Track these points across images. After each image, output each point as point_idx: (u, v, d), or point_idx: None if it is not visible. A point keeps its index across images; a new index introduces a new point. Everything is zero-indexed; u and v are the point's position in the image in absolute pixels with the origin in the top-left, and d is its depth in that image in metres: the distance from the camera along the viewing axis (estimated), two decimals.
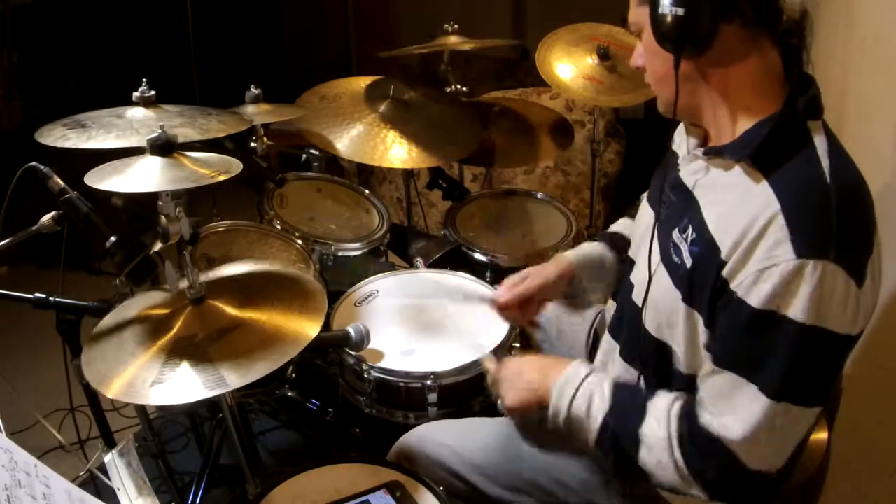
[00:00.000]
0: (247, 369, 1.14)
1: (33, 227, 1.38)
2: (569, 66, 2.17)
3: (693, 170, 1.16)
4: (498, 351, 1.54)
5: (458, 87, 2.35)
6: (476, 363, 1.51)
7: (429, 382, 1.48)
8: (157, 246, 1.28)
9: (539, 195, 2.28)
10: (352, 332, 1.50)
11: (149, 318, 1.28)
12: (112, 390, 1.13)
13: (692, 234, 1.09)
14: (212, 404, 1.87)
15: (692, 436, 1.05)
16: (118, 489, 1.32)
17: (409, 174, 2.52)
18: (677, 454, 1.06)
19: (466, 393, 1.52)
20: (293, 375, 1.75)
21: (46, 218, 1.38)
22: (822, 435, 1.21)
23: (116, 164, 1.25)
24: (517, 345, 1.56)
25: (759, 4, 1.03)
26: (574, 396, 1.16)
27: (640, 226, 1.34)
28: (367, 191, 2.18)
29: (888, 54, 1.48)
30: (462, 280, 1.79)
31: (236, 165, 1.28)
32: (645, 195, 1.33)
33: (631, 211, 1.50)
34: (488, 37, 2.41)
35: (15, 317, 2.39)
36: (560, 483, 1.29)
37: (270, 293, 1.32)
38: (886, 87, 1.47)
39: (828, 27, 1.89)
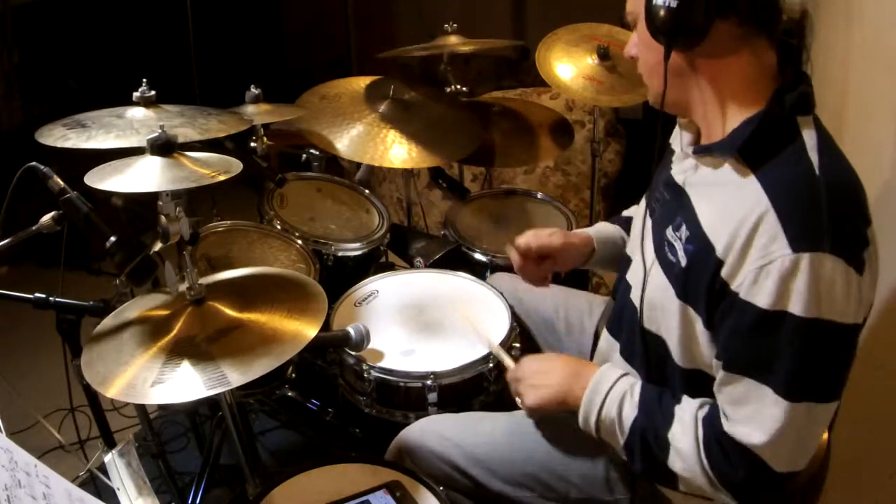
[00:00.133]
0: (247, 367, 1.14)
1: (33, 227, 1.38)
2: (569, 66, 2.17)
3: (684, 168, 1.16)
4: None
5: (458, 87, 2.35)
6: (476, 363, 1.51)
7: (429, 382, 1.48)
8: (157, 246, 1.28)
9: (539, 195, 2.28)
10: (352, 332, 1.50)
11: (149, 319, 1.28)
12: (112, 390, 1.13)
13: (686, 233, 1.09)
14: (212, 404, 1.87)
15: (719, 442, 1.05)
16: (118, 489, 1.32)
17: (409, 174, 2.52)
18: (704, 460, 1.06)
19: (466, 393, 1.52)
20: (293, 375, 1.75)
21: (46, 218, 1.38)
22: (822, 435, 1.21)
23: (116, 164, 1.25)
24: (517, 345, 1.55)
25: (756, 3, 1.03)
26: (604, 401, 1.17)
27: (636, 224, 1.34)
28: (367, 191, 2.18)
29: (888, 54, 1.48)
30: (463, 281, 1.79)
31: (236, 165, 1.28)
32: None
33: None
34: (488, 37, 2.41)
35: (15, 317, 2.39)
36: (561, 478, 1.29)
37: (270, 294, 1.32)
38: (886, 87, 1.47)
39: (828, 27, 1.89)
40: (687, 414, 1.10)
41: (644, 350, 1.20)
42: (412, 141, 2.05)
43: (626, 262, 1.32)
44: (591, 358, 1.43)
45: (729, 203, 1.03)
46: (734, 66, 1.06)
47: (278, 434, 2.12)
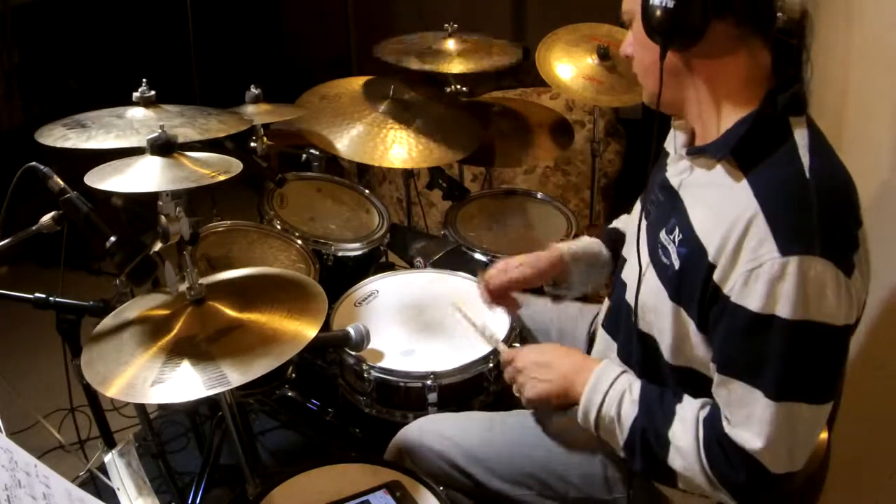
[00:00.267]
0: (247, 367, 1.14)
1: (33, 227, 1.38)
2: (569, 66, 2.17)
3: (679, 169, 1.16)
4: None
5: (458, 87, 2.35)
6: (476, 362, 1.51)
7: (429, 382, 1.48)
8: (157, 246, 1.28)
9: (539, 195, 2.28)
10: (352, 332, 1.50)
11: (149, 319, 1.29)
12: (112, 390, 1.13)
13: (679, 235, 1.09)
14: (212, 404, 1.87)
15: (720, 444, 1.06)
16: (118, 489, 1.32)
17: (409, 174, 2.52)
18: (705, 460, 1.07)
19: (466, 393, 1.52)
20: (293, 375, 1.75)
21: (46, 218, 1.38)
22: (822, 435, 1.21)
23: (116, 164, 1.25)
24: (517, 344, 1.55)
25: (754, 4, 1.03)
26: (604, 398, 1.17)
27: (631, 225, 1.34)
28: (367, 191, 2.18)
29: (888, 54, 1.48)
30: (463, 281, 1.79)
31: (236, 165, 1.28)
32: None
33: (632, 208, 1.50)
34: (488, 36, 2.40)
35: (15, 317, 2.39)
36: (560, 477, 1.29)
37: (270, 294, 1.32)
38: (886, 87, 1.47)
39: (828, 27, 1.89)
40: (688, 413, 1.10)
41: (640, 350, 1.20)
42: (412, 141, 2.06)
43: (622, 262, 1.32)
44: None
45: (721, 206, 1.03)
46: (730, 66, 1.06)
47: (278, 434, 2.12)
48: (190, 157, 1.27)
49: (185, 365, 1.16)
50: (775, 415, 1.00)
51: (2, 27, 3.12)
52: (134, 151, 1.31)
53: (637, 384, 1.16)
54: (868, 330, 1.39)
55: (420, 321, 1.65)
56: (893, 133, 1.41)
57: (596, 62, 2.16)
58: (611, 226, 1.55)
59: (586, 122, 2.92)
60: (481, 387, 1.53)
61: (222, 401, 1.44)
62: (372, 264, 2.03)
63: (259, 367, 1.14)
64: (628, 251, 1.30)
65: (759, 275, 0.97)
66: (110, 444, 1.47)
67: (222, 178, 1.23)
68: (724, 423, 1.05)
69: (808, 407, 1.01)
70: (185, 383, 1.13)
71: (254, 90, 1.96)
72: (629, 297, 1.22)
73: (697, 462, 1.07)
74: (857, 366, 1.07)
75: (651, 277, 1.14)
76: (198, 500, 1.78)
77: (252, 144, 2.02)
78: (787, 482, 1.04)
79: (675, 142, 1.21)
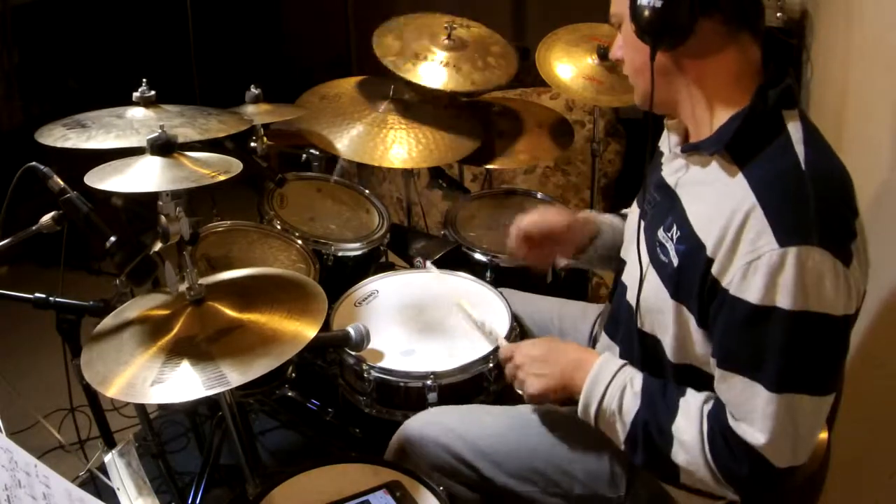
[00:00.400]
0: (247, 367, 1.14)
1: (33, 227, 1.38)
2: (569, 66, 2.17)
3: (674, 168, 1.17)
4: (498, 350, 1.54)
5: (460, 90, 2.34)
6: (476, 363, 1.50)
7: (429, 382, 1.48)
8: (157, 246, 1.28)
9: (539, 195, 2.28)
10: (352, 332, 1.50)
11: (149, 319, 1.28)
12: (112, 390, 1.13)
13: (677, 233, 1.10)
14: (212, 404, 1.87)
15: (724, 437, 1.06)
16: (118, 489, 1.32)
17: (409, 174, 2.52)
18: (708, 454, 1.07)
19: (466, 392, 1.52)
20: (293, 375, 1.75)
21: (46, 218, 1.38)
22: (822, 435, 1.21)
23: (116, 164, 1.25)
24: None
25: (740, 0, 1.03)
26: (605, 391, 1.17)
27: (629, 226, 1.34)
28: (367, 191, 2.18)
29: (888, 54, 1.48)
30: (463, 281, 1.79)
31: (236, 165, 1.28)
32: None
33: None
34: (490, 29, 2.39)
35: (15, 317, 2.39)
36: (566, 473, 1.29)
37: (270, 294, 1.32)
38: (886, 87, 1.48)
39: (828, 27, 1.89)
40: (692, 406, 1.10)
41: (641, 351, 1.20)
42: (412, 141, 2.06)
43: (621, 264, 1.32)
44: None
45: (717, 201, 1.04)
46: (720, 63, 1.06)
47: (278, 434, 2.12)
48: (190, 157, 1.27)
49: (185, 365, 1.16)
50: (777, 408, 1.00)
51: (2, 27, 3.12)
52: (134, 151, 1.31)
53: (639, 377, 1.16)
54: (868, 329, 1.39)
55: (420, 321, 1.65)
56: (893, 133, 1.41)
57: (596, 62, 2.16)
58: (624, 212, 1.55)
59: (586, 122, 2.92)
60: (481, 387, 1.53)
61: (222, 401, 1.44)
62: (372, 264, 2.03)
63: (259, 367, 1.14)
64: (627, 252, 1.30)
65: (757, 267, 0.97)
66: (110, 444, 1.47)
67: (222, 178, 1.23)
68: (729, 418, 1.05)
69: (809, 399, 1.01)
70: (184, 383, 1.13)
71: (254, 90, 1.96)
72: (630, 298, 1.22)
73: (701, 456, 1.07)
74: (856, 365, 1.07)
75: (652, 277, 1.15)
76: (198, 500, 1.78)
77: (252, 144, 2.02)
78: (790, 477, 1.04)
79: (668, 141, 1.22)
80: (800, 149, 1.02)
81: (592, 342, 1.53)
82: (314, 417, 1.90)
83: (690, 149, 1.12)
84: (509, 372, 1.32)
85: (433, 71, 2.10)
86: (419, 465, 1.31)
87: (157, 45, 3.32)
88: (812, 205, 0.97)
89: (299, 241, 1.89)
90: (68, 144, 1.39)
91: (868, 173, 1.11)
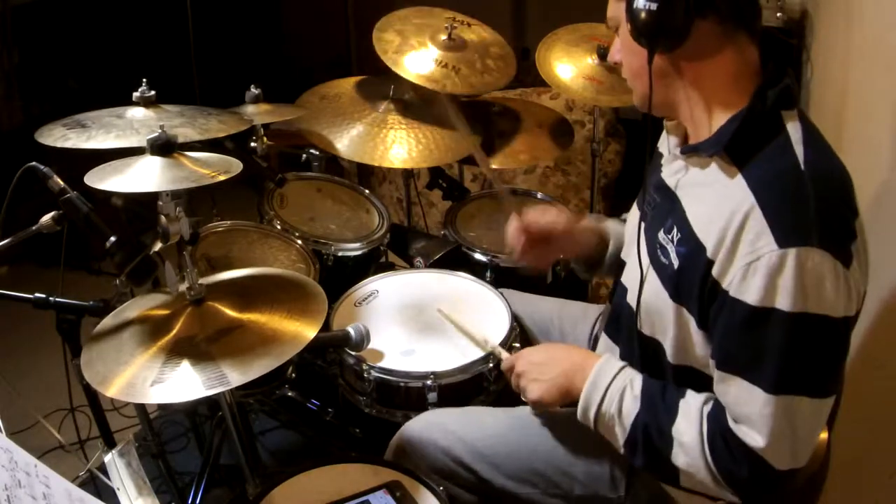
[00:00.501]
0: (247, 367, 1.14)
1: (33, 227, 1.38)
2: (569, 66, 2.17)
3: (674, 170, 1.17)
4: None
5: (457, 93, 2.34)
6: (476, 362, 1.50)
7: (429, 382, 1.48)
8: (157, 246, 1.28)
9: (539, 195, 2.28)
10: (352, 332, 1.50)
11: (149, 319, 1.28)
12: (112, 390, 1.13)
13: (677, 235, 1.09)
14: (212, 404, 1.87)
15: (724, 439, 1.05)
16: (118, 489, 1.32)
17: (409, 174, 2.52)
18: (709, 456, 1.06)
19: (466, 393, 1.52)
20: (293, 375, 1.75)
21: (46, 218, 1.38)
22: (822, 435, 1.21)
23: (116, 164, 1.25)
24: (517, 344, 1.55)
25: (736, 1, 1.03)
26: (604, 395, 1.16)
27: (629, 228, 1.34)
28: (367, 191, 2.18)
29: (888, 54, 1.48)
30: (463, 281, 1.79)
31: (236, 165, 1.28)
32: None
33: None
34: (487, 27, 2.39)
35: (15, 317, 2.39)
36: (566, 474, 1.29)
37: (270, 294, 1.32)
38: (886, 87, 1.48)
39: (828, 27, 1.89)
40: (692, 408, 1.10)
41: (641, 353, 1.20)
42: (412, 141, 2.06)
43: (621, 266, 1.32)
44: None
45: (717, 202, 1.03)
46: (718, 65, 1.06)
47: (278, 434, 2.12)
48: (190, 157, 1.27)
49: (185, 365, 1.16)
50: (775, 410, 1.00)
51: (2, 27, 3.12)
52: (134, 151, 1.31)
53: (638, 379, 1.16)
54: (868, 330, 1.39)
55: (420, 321, 1.65)
56: (893, 133, 1.41)
57: (596, 62, 2.16)
58: (624, 217, 1.55)
59: (586, 122, 2.92)
60: (481, 387, 1.53)
61: (222, 401, 1.44)
62: (372, 264, 2.03)
63: (259, 367, 1.14)
64: (627, 254, 1.30)
65: (757, 268, 0.97)
66: (110, 444, 1.47)
67: (222, 178, 1.23)
68: (729, 419, 1.05)
69: (809, 401, 1.01)
70: (184, 383, 1.13)
71: (254, 90, 1.96)
72: (630, 300, 1.21)
73: (701, 458, 1.07)
74: (857, 366, 1.07)
75: (652, 279, 1.14)
76: (198, 500, 1.78)
77: (252, 144, 2.02)
78: (790, 479, 1.04)
79: (668, 142, 1.22)
80: (799, 149, 1.02)
81: (593, 342, 1.53)
82: (314, 417, 1.90)
83: (690, 150, 1.12)
84: (513, 381, 1.33)
85: (431, 72, 2.10)
86: (418, 468, 1.31)
87: (157, 45, 3.32)
88: (812, 205, 0.97)
89: (299, 241, 1.89)
90: (68, 144, 1.39)
91: (868, 173, 1.11)
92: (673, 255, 1.09)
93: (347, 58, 4.26)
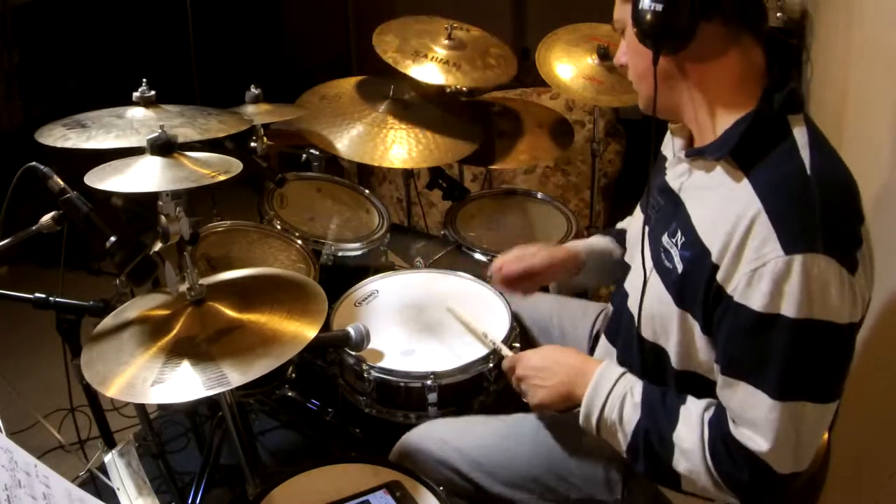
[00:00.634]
0: (247, 368, 1.14)
1: (33, 227, 1.38)
2: (569, 66, 2.17)
3: (678, 173, 1.16)
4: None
5: (458, 87, 2.35)
6: (476, 363, 1.50)
7: (429, 382, 1.48)
8: (157, 246, 1.28)
9: (539, 195, 2.28)
10: (352, 332, 1.50)
11: (149, 319, 1.29)
12: (112, 390, 1.13)
13: (682, 238, 1.09)
14: (212, 404, 1.87)
15: (724, 444, 1.05)
16: (118, 489, 1.32)
17: (409, 174, 2.52)
18: (710, 461, 1.06)
19: (466, 393, 1.52)
20: (293, 375, 1.75)
21: (46, 218, 1.38)
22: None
23: (116, 164, 1.25)
24: (517, 344, 1.55)
25: (741, 3, 1.03)
26: (605, 402, 1.16)
27: (632, 232, 1.34)
28: (367, 191, 2.18)
29: (888, 54, 1.48)
30: (463, 281, 1.79)
31: (236, 165, 1.28)
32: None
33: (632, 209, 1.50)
34: (486, 32, 2.40)
35: (15, 317, 2.40)
36: (562, 479, 1.29)
37: (270, 295, 1.32)
38: (886, 87, 1.47)
39: (828, 27, 1.89)
40: (693, 414, 1.10)
41: (641, 358, 1.20)
42: (412, 141, 2.06)
43: (624, 269, 1.31)
44: None
45: (722, 206, 1.03)
46: (723, 67, 1.06)
47: (278, 434, 2.12)
48: (190, 157, 1.27)
49: (185, 365, 1.16)
50: (780, 415, 0.99)
51: (2, 27, 3.12)
52: (134, 151, 1.31)
53: (639, 386, 1.16)
54: (871, 330, 1.39)
55: (420, 321, 1.65)
56: (893, 133, 1.41)
57: (596, 62, 2.16)
58: (619, 226, 1.55)
59: (586, 122, 2.92)
60: (481, 387, 1.53)
61: (222, 401, 1.44)
62: (372, 264, 2.03)
63: (259, 368, 1.14)
64: (630, 258, 1.30)
65: (762, 274, 0.97)
66: (110, 444, 1.47)
67: (222, 178, 1.23)
68: (730, 424, 1.05)
69: (812, 406, 1.01)
70: (185, 383, 1.13)
71: (254, 90, 1.96)
72: (631, 304, 1.21)
73: (702, 463, 1.07)
74: (859, 365, 1.07)
75: (655, 284, 1.14)
76: (198, 500, 1.78)
77: (252, 144, 2.02)
78: (791, 482, 1.04)
79: (672, 145, 1.21)
80: (805, 154, 1.01)
81: (593, 341, 1.53)
82: (314, 417, 1.90)
83: (695, 153, 1.12)
84: (514, 384, 1.33)
85: (433, 68, 2.10)
86: (415, 473, 1.31)
87: (157, 45, 3.32)
88: (818, 211, 0.97)
89: (299, 241, 1.89)
90: (68, 144, 1.39)
91: (868, 173, 1.10)
92: (677, 260, 1.09)
93: (347, 58, 4.26)
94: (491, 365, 1.51)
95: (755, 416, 1.01)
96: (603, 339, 1.35)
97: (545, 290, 1.67)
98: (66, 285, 1.57)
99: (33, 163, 1.37)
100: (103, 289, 1.45)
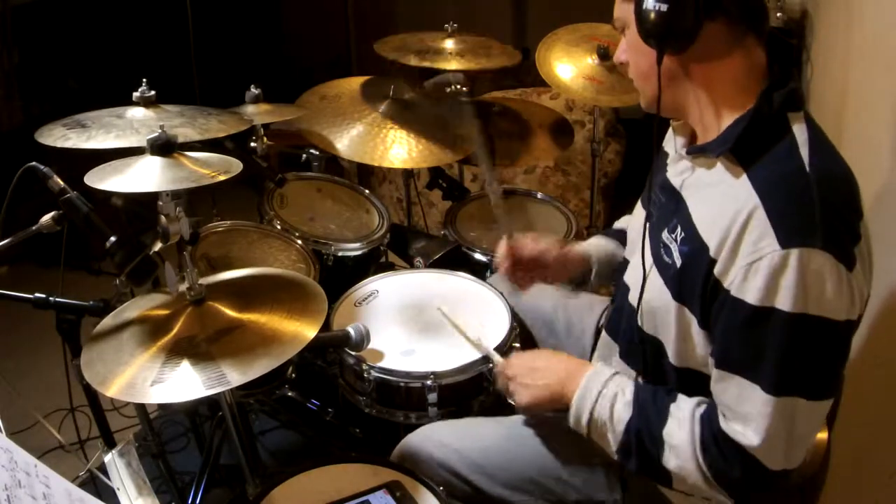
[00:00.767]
0: (247, 367, 1.14)
1: (33, 227, 1.38)
2: (569, 66, 2.17)
3: (680, 170, 1.17)
4: (499, 350, 1.54)
5: (459, 87, 2.35)
6: (476, 363, 1.50)
7: (429, 382, 1.48)
8: (157, 246, 1.28)
9: (539, 195, 2.28)
10: (352, 332, 1.50)
11: (149, 319, 1.28)
12: (112, 390, 1.13)
13: (681, 234, 1.09)
14: (212, 404, 1.87)
15: (715, 440, 1.05)
16: (118, 489, 1.32)
17: (409, 174, 2.52)
18: (700, 457, 1.06)
19: (466, 393, 1.52)
20: (293, 375, 1.75)
21: (46, 218, 1.38)
22: (822, 435, 1.21)
23: (116, 164, 1.25)
24: (517, 345, 1.55)
25: (744, 3, 1.03)
26: (596, 401, 1.16)
27: (633, 227, 1.34)
28: (367, 191, 2.18)
29: (888, 54, 1.48)
30: (463, 281, 1.79)
31: (236, 165, 1.28)
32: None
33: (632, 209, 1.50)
34: (488, 36, 2.41)
35: (15, 317, 2.39)
36: (561, 480, 1.29)
37: (270, 294, 1.32)
38: (886, 87, 1.47)
39: (828, 27, 1.89)
40: (684, 412, 1.10)
41: (642, 352, 1.20)
42: (412, 141, 2.06)
43: (624, 264, 1.32)
44: (591, 358, 1.43)
45: (721, 202, 1.03)
46: (726, 67, 1.06)
47: (278, 434, 2.12)
48: (190, 157, 1.27)
49: (185, 365, 1.16)
50: (773, 410, 1.00)
51: (2, 27, 3.12)
52: (134, 151, 1.31)
53: (630, 386, 1.16)
54: (869, 328, 1.39)
55: (420, 321, 1.65)
56: (893, 133, 1.41)
57: (596, 62, 2.16)
58: (616, 226, 1.55)
59: (586, 122, 2.93)
60: (481, 387, 1.53)
61: (222, 401, 1.44)
62: (372, 264, 2.03)
63: (259, 367, 1.14)
64: (630, 254, 1.30)
65: (759, 268, 0.97)
66: (110, 444, 1.47)
67: (222, 178, 1.23)
68: (721, 419, 1.05)
69: (806, 403, 1.01)
70: (184, 383, 1.13)
71: (254, 90, 1.96)
72: (632, 299, 1.21)
73: (693, 460, 1.07)
74: (857, 364, 1.07)
75: (655, 279, 1.14)
76: (198, 500, 1.78)
77: (252, 144, 2.02)
78: (782, 479, 1.04)
79: (674, 142, 1.21)
80: (804, 151, 1.01)
81: (598, 335, 1.54)
82: (314, 417, 1.90)
83: (696, 151, 1.12)
84: (501, 384, 1.33)
85: (436, 58, 2.13)
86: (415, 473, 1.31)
87: (157, 45, 3.32)
88: (816, 207, 0.97)
89: (299, 241, 1.89)
90: (68, 144, 1.39)
91: (868, 173, 1.10)
92: (676, 255, 1.09)
93: (347, 58, 4.26)
94: (490, 365, 1.51)
95: (748, 411, 1.02)
96: (604, 334, 1.35)
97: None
98: (66, 285, 1.57)
99: (33, 163, 1.37)
100: (103, 289, 1.45)
